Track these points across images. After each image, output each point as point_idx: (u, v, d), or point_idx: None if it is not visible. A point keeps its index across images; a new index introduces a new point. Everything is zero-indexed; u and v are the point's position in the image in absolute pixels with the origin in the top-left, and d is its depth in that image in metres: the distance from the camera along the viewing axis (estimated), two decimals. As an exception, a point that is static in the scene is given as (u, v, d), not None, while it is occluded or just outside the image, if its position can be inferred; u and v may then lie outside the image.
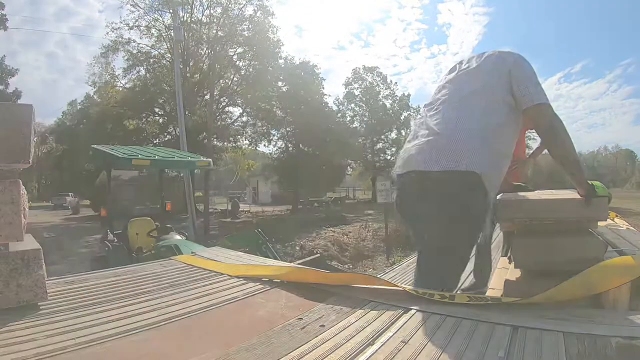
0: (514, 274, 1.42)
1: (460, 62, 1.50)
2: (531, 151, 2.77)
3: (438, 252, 1.31)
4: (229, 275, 1.60)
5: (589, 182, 1.29)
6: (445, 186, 1.24)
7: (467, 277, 3.69)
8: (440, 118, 1.35)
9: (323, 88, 24.55)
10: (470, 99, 1.34)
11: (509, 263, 1.79)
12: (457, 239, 1.28)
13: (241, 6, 22.14)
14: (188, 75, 21.44)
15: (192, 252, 2.27)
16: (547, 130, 1.30)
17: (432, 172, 1.25)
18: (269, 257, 4.05)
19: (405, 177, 1.36)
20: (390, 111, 32.47)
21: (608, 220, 2.39)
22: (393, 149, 31.44)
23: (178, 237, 4.41)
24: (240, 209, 20.39)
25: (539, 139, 2.22)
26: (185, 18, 21.13)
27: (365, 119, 32.22)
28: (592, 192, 1.26)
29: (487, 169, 1.24)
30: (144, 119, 22.91)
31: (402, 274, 4.76)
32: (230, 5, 22.02)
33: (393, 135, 32.15)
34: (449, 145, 1.26)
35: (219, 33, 22.14)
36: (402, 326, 0.98)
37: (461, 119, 1.31)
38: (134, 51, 21.67)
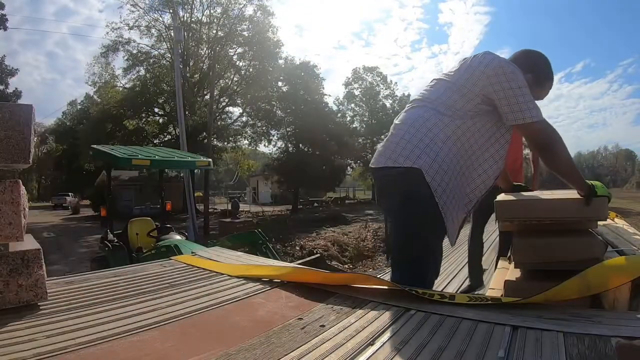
0: (514, 274, 1.42)
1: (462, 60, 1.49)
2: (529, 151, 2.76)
3: (399, 244, 1.38)
4: (229, 275, 1.60)
5: (589, 182, 1.29)
6: (393, 182, 1.31)
7: (464, 280, 3.70)
8: (404, 116, 1.39)
9: (323, 88, 24.57)
10: (439, 100, 1.32)
11: (509, 263, 1.79)
12: (411, 232, 1.31)
13: (241, 6, 22.20)
14: (188, 75, 21.46)
15: (192, 252, 2.27)
16: (539, 147, 1.29)
17: (385, 169, 1.31)
18: (269, 257, 4.04)
19: (373, 173, 1.42)
20: (390, 111, 32.45)
21: (608, 220, 2.39)
22: (393, 149, 31.39)
23: (178, 237, 4.40)
24: (240, 209, 20.41)
25: None
26: (185, 18, 21.20)
27: (365, 119, 32.23)
28: (592, 192, 1.26)
29: (433, 165, 1.25)
30: (144, 119, 22.93)
31: (402, 274, 4.75)
32: (230, 5, 22.09)
33: (393, 135, 32.09)
34: (399, 143, 1.30)
35: (219, 33, 22.17)
36: (402, 326, 0.98)
37: (420, 117, 1.31)
38: (134, 51, 21.72)
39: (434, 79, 1.43)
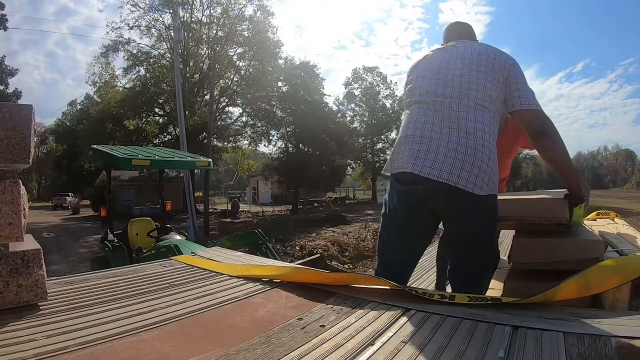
0: (513, 274, 1.42)
1: (454, 46, 1.48)
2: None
3: (475, 266, 1.35)
4: (229, 275, 1.60)
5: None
6: (475, 206, 1.25)
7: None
8: (459, 129, 1.27)
9: (323, 88, 24.62)
10: (479, 105, 1.30)
11: (509, 263, 1.79)
12: (493, 257, 1.38)
13: (241, 6, 22.24)
14: (188, 75, 21.48)
15: (192, 252, 2.27)
16: (540, 132, 1.31)
17: (459, 190, 1.22)
18: (269, 257, 4.04)
19: (422, 182, 1.27)
20: (390, 111, 32.51)
21: (608, 220, 2.39)
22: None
23: (178, 237, 4.40)
24: (240, 209, 20.42)
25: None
26: (185, 18, 21.21)
27: (365, 119, 32.30)
28: (580, 193, 1.30)
29: (496, 188, 1.30)
30: (144, 119, 22.95)
31: (402, 274, 4.76)
32: (230, 5, 22.11)
33: (393, 135, 32.18)
34: (476, 166, 1.23)
35: (219, 33, 22.20)
36: (402, 326, 0.98)
37: (481, 138, 1.26)
38: (134, 51, 21.75)
39: (455, 63, 1.39)
